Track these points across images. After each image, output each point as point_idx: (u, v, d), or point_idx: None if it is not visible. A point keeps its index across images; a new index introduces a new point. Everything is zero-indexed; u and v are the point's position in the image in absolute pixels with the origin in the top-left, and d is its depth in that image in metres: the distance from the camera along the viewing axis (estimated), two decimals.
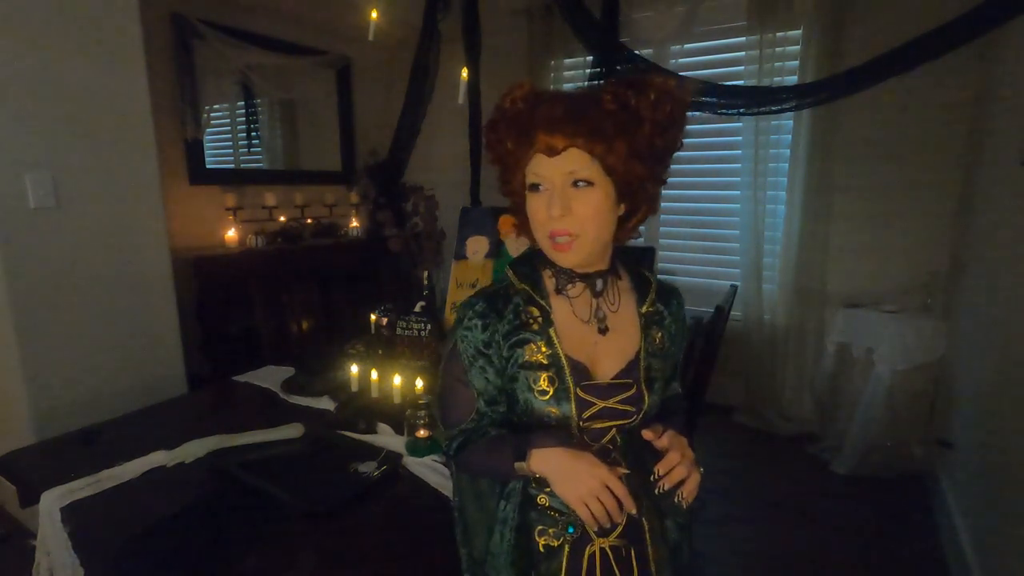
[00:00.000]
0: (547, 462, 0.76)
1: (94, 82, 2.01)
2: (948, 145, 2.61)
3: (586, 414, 0.80)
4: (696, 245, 3.39)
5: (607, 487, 0.73)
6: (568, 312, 0.83)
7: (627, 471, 0.78)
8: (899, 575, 2.01)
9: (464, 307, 0.84)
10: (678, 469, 0.76)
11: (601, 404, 0.80)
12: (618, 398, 0.81)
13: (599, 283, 0.83)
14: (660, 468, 0.76)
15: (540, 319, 0.81)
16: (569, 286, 0.83)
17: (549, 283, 0.84)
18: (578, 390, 0.80)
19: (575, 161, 0.74)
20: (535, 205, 0.77)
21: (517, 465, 0.78)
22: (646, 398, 0.82)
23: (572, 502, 0.75)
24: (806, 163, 2.86)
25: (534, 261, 0.86)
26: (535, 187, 0.77)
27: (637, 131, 0.74)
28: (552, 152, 0.73)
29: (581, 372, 0.81)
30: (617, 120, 0.74)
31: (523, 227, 0.85)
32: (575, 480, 0.75)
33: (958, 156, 2.59)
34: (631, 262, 0.90)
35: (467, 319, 0.82)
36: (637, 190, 0.78)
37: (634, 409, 0.82)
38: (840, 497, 2.47)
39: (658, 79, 0.76)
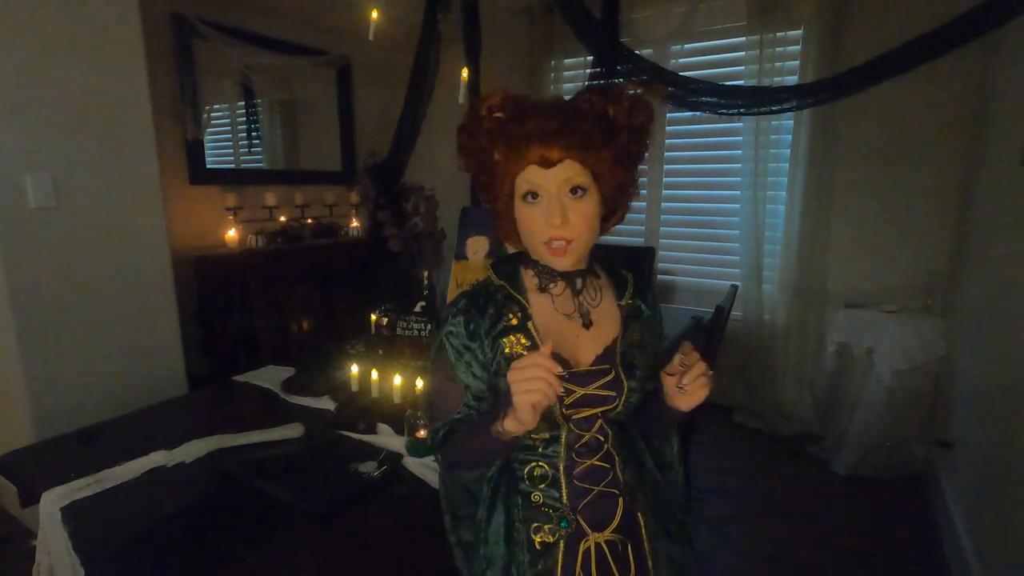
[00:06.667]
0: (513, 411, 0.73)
1: (94, 82, 2.01)
2: (948, 145, 2.60)
3: (568, 400, 0.82)
4: (696, 245, 3.39)
5: (537, 372, 0.69)
6: (549, 308, 0.86)
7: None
8: (899, 575, 2.02)
9: (449, 306, 0.89)
10: (699, 379, 0.77)
11: (581, 391, 0.83)
12: (597, 384, 0.83)
13: (578, 282, 0.87)
14: (682, 362, 0.78)
15: (519, 314, 0.85)
16: (551, 285, 0.86)
17: (531, 282, 0.88)
18: None
19: (569, 169, 0.77)
20: (530, 215, 0.80)
21: (495, 429, 0.75)
22: (624, 382, 0.84)
23: (520, 403, 0.70)
24: (806, 163, 2.86)
25: (515, 261, 0.90)
26: (531, 196, 0.79)
27: (617, 139, 0.79)
28: (548, 164, 0.76)
29: (560, 362, 0.82)
30: (601, 129, 0.78)
31: (507, 233, 0.87)
32: (516, 391, 0.70)
33: (958, 156, 2.59)
34: (605, 260, 0.94)
35: (451, 317, 0.86)
36: (619, 194, 0.83)
37: (614, 394, 0.84)
38: (840, 497, 2.47)
39: (629, 87, 0.82)
